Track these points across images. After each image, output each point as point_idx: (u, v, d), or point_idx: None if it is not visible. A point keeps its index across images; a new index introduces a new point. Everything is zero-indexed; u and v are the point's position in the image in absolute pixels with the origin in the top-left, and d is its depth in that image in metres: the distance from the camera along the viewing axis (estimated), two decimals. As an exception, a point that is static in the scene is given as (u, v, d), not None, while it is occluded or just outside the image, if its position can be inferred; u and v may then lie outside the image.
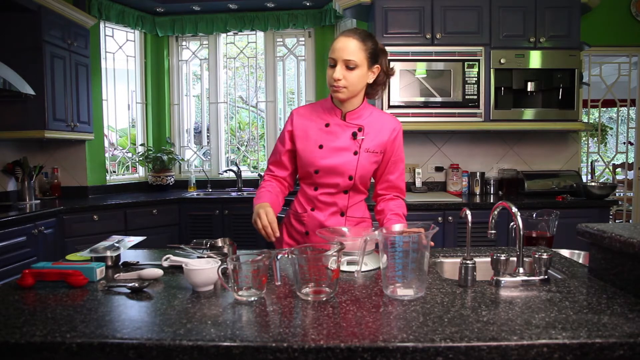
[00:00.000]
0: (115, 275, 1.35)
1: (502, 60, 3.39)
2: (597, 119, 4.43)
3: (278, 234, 1.55)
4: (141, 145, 4.58)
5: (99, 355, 0.89)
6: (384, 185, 1.76)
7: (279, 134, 1.81)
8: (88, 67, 3.83)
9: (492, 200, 3.46)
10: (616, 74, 4.05)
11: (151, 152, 4.47)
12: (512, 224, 1.38)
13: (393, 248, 1.11)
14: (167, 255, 1.44)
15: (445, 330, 0.91)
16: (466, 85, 3.38)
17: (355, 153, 1.66)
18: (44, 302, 1.14)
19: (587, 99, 3.95)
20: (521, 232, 1.26)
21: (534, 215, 1.79)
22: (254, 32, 4.66)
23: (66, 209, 3.29)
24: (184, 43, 4.77)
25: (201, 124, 5.03)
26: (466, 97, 3.39)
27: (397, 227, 1.46)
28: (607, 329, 0.91)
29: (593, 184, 3.40)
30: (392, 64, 1.80)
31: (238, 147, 4.95)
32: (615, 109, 4.26)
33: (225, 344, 0.87)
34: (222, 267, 1.17)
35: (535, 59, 3.41)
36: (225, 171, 4.62)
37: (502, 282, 1.21)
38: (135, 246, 1.61)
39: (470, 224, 1.27)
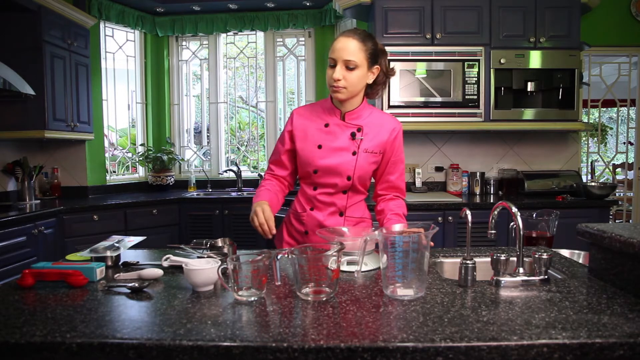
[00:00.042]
0: (115, 275, 1.35)
1: (502, 60, 3.39)
2: (597, 119, 4.43)
3: (274, 231, 1.55)
4: (141, 145, 4.58)
5: (99, 355, 0.89)
6: (384, 186, 1.76)
7: (279, 134, 1.82)
8: (88, 67, 3.83)
9: (492, 200, 3.46)
10: (616, 74, 4.05)
11: (151, 152, 4.47)
12: (512, 224, 1.38)
13: (393, 248, 1.11)
14: (167, 255, 1.44)
15: (445, 330, 0.91)
16: (466, 85, 3.38)
17: (354, 153, 1.66)
18: (44, 302, 1.14)
19: (587, 99, 3.95)
20: (521, 232, 1.26)
21: (534, 215, 1.79)
22: (254, 32, 4.66)
23: (66, 209, 3.29)
24: (184, 43, 4.77)
25: (201, 124, 5.03)
26: (466, 97, 3.39)
27: (397, 227, 1.46)
28: (607, 329, 0.91)
29: (593, 184, 3.40)
30: (392, 64, 1.80)
31: (238, 147, 4.95)
32: (615, 109, 4.26)
33: (225, 344, 0.87)
34: (222, 267, 1.17)
35: (535, 59, 3.41)
36: (225, 171, 4.62)
37: (502, 282, 1.21)
38: (135, 246, 1.61)
39: (470, 224, 1.27)
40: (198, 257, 1.46)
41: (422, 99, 3.38)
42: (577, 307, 1.04)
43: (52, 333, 0.93)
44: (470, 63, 3.39)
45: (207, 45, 4.73)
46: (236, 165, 4.71)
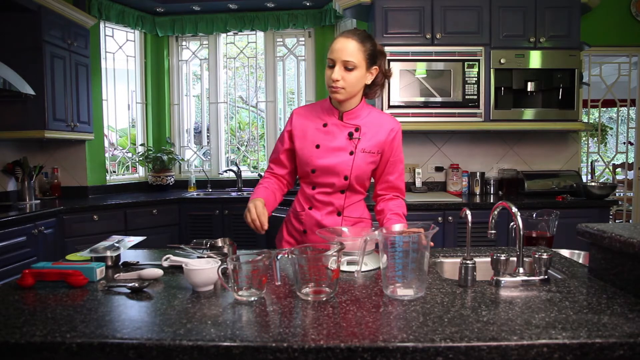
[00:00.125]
0: (115, 275, 1.35)
1: (502, 60, 3.39)
2: (597, 119, 4.43)
3: (266, 227, 1.55)
4: (141, 145, 4.58)
5: (99, 355, 0.89)
6: (383, 186, 1.77)
7: (279, 133, 1.82)
8: (88, 67, 3.83)
9: (492, 200, 3.46)
10: (616, 74, 4.05)
11: (151, 152, 4.47)
12: (512, 224, 1.38)
13: (393, 248, 1.11)
14: (167, 255, 1.44)
15: (445, 330, 0.91)
16: (466, 85, 3.38)
17: (351, 153, 1.67)
18: (44, 302, 1.14)
19: (587, 99, 3.95)
20: (521, 232, 1.26)
21: (534, 215, 1.79)
22: (254, 32, 4.66)
23: (66, 209, 3.29)
24: (184, 43, 4.77)
25: (201, 124, 5.03)
26: (466, 97, 3.39)
27: (397, 227, 1.46)
28: (607, 329, 0.91)
29: (593, 184, 3.41)
30: (392, 64, 1.81)
31: (238, 147, 4.95)
32: (615, 109, 4.26)
33: (225, 344, 0.87)
34: (222, 267, 1.17)
35: (535, 59, 3.41)
36: (225, 171, 4.62)
37: (502, 282, 1.21)
38: (135, 246, 1.61)
39: (470, 224, 1.27)
40: (198, 257, 1.46)
41: (422, 99, 3.38)
42: (577, 307, 1.04)
43: (52, 333, 0.93)
44: (470, 63, 3.39)
45: (207, 45, 4.73)
46: (236, 165, 4.71)
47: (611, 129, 8.65)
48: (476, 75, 3.39)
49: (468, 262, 1.22)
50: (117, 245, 1.53)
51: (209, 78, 4.75)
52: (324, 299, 1.13)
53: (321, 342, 0.86)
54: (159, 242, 3.45)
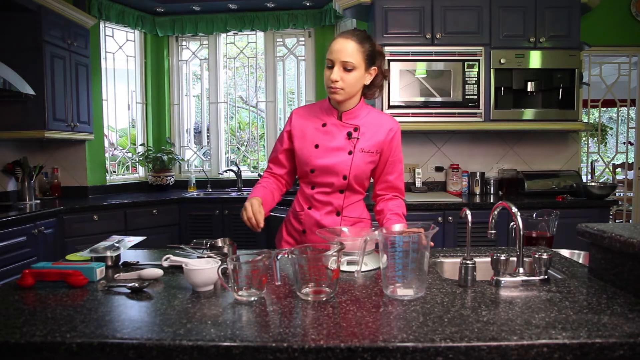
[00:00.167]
0: (115, 275, 1.35)
1: (502, 60, 3.39)
2: (597, 119, 4.43)
3: (262, 224, 1.55)
4: (141, 145, 4.58)
5: (99, 355, 0.89)
6: (382, 186, 1.77)
7: (279, 133, 1.83)
8: (88, 67, 3.83)
9: (492, 200, 3.46)
10: (616, 74, 4.05)
11: (151, 152, 4.47)
12: (512, 224, 1.38)
13: (393, 248, 1.11)
14: (167, 255, 1.44)
15: (445, 330, 0.91)
16: (466, 85, 3.38)
17: (350, 153, 1.67)
18: (44, 302, 1.14)
19: (587, 99, 3.95)
20: (521, 232, 1.26)
21: (534, 215, 1.79)
22: (254, 32, 4.66)
23: (66, 209, 3.29)
24: (184, 43, 4.77)
25: (201, 124, 5.03)
26: (466, 97, 3.39)
27: (397, 227, 1.46)
28: (607, 329, 0.91)
29: (593, 184, 3.40)
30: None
31: (238, 147, 4.95)
32: (615, 109, 4.26)
33: (225, 344, 0.87)
34: (222, 267, 1.17)
35: (535, 59, 3.41)
36: (225, 171, 4.62)
37: (502, 282, 1.21)
38: (135, 246, 1.61)
39: (470, 224, 1.27)
40: (198, 257, 1.46)
41: (422, 99, 3.38)
42: (577, 307, 1.04)
43: (52, 333, 0.93)
44: (470, 63, 3.39)
45: (207, 45, 4.73)
46: (236, 165, 4.71)
47: (611, 129, 8.65)
48: (476, 75, 3.39)
49: (468, 262, 1.22)
50: (117, 245, 1.53)
51: (209, 78, 4.75)
52: (324, 299, 1.13)
53: (321, 342, 0.86)
54: (159, 242, 3.45)
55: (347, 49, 1.58)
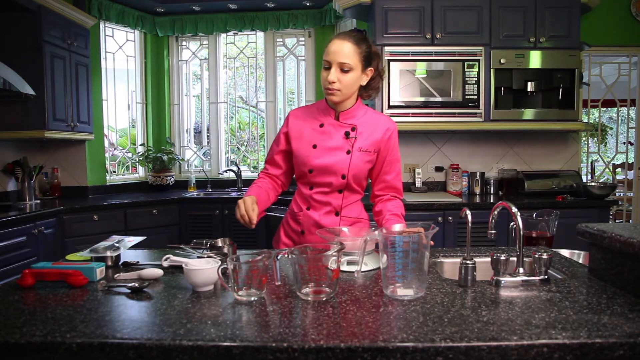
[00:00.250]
0: (115, 275, 1.35)
1: (502, 60, 3.39)
2: (597, 119, 4.43)
3: (255, 221, 1.56)
4: (141, 145, 4.58)
5: (99, 355, 0.89)
6: (381, 186, 1.77)
7: (276, 135, 1.84)
8: (88, 67, 3.83)
9: (492, 200, 3.46)
10: (616, 74, 4.05)
11: (151, 152, 4.47)
12: (512, 224, 1.38)
13: (393, 248, 1.11)
14: (167, 255, 1.44)
15: (445, 330, 0.91)
16: (466, 85, 3.38)
17: (348, 152, 1.68)
18: (44, 302, 1.13)
19: (587, 99, 3.95)
20: (521, 232, 1.26)
21: (534, 215, 1.79)
22: (254, 32, 4.66)
23: (66, 209, 3.29)
24: (184, 43, 4.77)
25: (201, 124, 5.03)
26: (466, 97, 3.39)
27: (397, 227, 1.46)
28: (607, 329, 0.91)
29: (593, 184, 3.40)
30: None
31: (238, 147, 4.95)
32: (615, 109, 4.26)
33: (225, 344, 0.87)
34: (222, 267, 1.17)
35: (535, 59, 3.41)
36: (225, 171, 4.62)
37: (502, 282, 1.21)
38: (135, 246, 1.61)
39: (470, 224, 1.27)
40: (198, 257, 1.46)
41: (422, 99, 3.38)
42: (577, 307, 1.04)
43: (52, 333, 0.93)
44: (470, 63, 3.39)
45: (207, 45, 4.73)
46: (236, 165, 4.71)
47: (611, 129, 8.65)
48: (476, 75, 3.39)
49: (468, 262, 1.22)
50: (117, 245, 1.53)
51: (209, 78, 4.75)
52: (324, 299, 1.13)
53: (321, 342, 0.86)
54: (159, 242, 3.45)
55: (344, 50, 1.59)
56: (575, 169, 3.82)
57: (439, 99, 3.38)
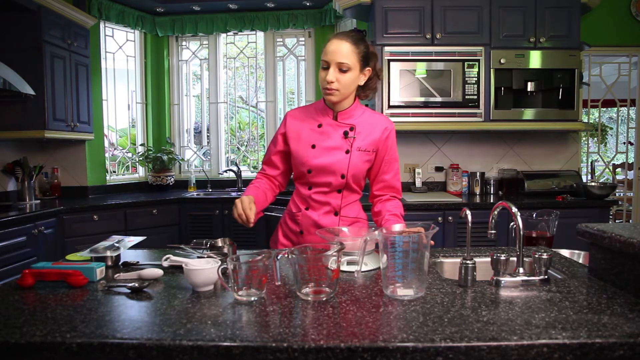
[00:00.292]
0: (115, 275, 1.35)
1: (502, 60, 3.39)
2: (597, 119, 4.43)
3: (252, 220, 1.56)
4: (141, 145, 4.58)
5: (99, 355, 0.89)
6: (379, 186, 1.77)
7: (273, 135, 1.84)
8: (88, 67, 3.83)
9: (492, 200, 3.46)
10: (616, 74, 4.05)
11: (151, 152, 4.47)
12: (512, 224, 1.38)
13: (393, 248, 1.11)
14: (167, 255, 1.44)
15: (445, 330, 0.91)
16: (466, 85, 3.38)
17: (347, 152, 1.68)
18: (44, 302, 1.13)
19: (587, 99, 3.95)
20: (521, 232, 1.26)
21: (534, 215, 1.79)
22: (254, 32, 4.66)
23: (66, 209, 3.29)
24: (184, 43, 4.77)
25: (201, 124, 5.03)
26: (466, 97, 3.39)
27: (397, 227, 1.46)
28: (607, 329, 0.91)
29: (593, 184, 3.41)
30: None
31: (238, 147, 4.95)
32: (615, 109, 4.26)
33: (225, 344, 0.87)
34: (222, 267, 1.17)
35: (535, 59, 3.41)
36: (225, 171, 4.62)
37: (502, 282, 1.21)
38: (135, 246, 1.61)
39: (470, 224, 1.27)
40: (198, 257, 1.46)
41: (422, 99, 3.38)
42: (577, 307, 1.04)
43: (52, 333, 0.93)
44: (470, 63, 3.39)
45: (207, 45, 4.73)
46: (236, 165, 4.71)
47: (611, 129, 8.65)
48: (476, 75, 3.39)
49: (468, 262, 1.22)
50: (117, 245, 1.53)
51: (209, 78, 4.75)
52: (324, 299, 1.13)
53: (321, 342, 0.86)
54: (159, 242, 3.45)
55: (342, 50, 1.59)
56: (575, 169, 3.82)
57: (439, 99, 3.38)
